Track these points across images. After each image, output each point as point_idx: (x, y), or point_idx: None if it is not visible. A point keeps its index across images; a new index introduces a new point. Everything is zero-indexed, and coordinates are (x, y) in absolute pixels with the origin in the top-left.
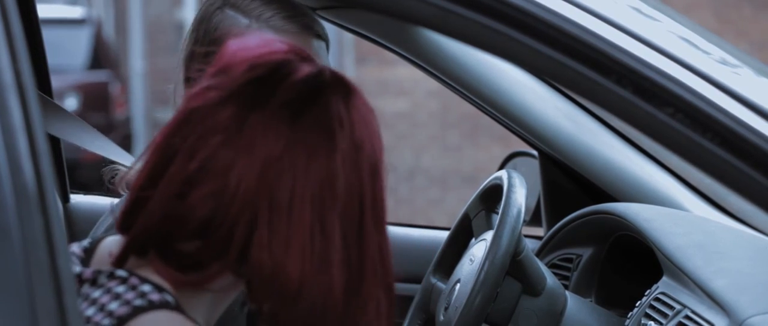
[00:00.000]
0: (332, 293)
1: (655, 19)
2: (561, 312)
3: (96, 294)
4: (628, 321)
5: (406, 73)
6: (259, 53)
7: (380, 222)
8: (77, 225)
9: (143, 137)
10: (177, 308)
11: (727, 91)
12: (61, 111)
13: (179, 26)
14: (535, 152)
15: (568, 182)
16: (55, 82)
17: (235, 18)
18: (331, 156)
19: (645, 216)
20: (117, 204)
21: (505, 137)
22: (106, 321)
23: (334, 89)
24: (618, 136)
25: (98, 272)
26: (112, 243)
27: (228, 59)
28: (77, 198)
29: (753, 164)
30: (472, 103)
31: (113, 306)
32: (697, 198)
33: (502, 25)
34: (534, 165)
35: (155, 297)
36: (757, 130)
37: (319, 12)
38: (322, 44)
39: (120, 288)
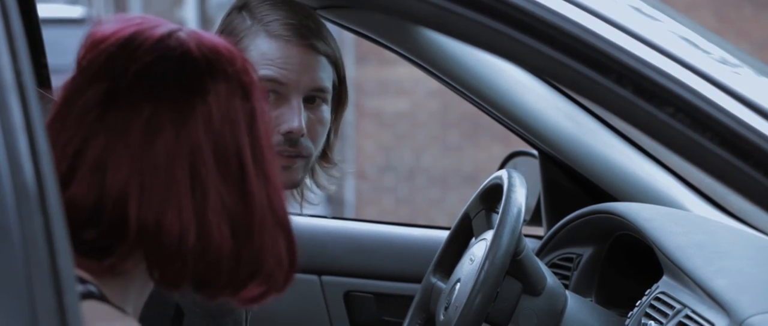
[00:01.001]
0: (217, 243)
1: (655, 19)
2: (561, 312)
3: None
4: (628, 320)
5: (406, 72)
6: (113, 30)
7: (265, 172)
8: None
9: None
10: (101, 298)
11: (727, 90)
12: None
13: None
14: (535, 152)
15: (568, 182)
16: (56, 82)
17: (243, 19)
18: (195, 121)
19: (645, 216)
20: None
21: (505, 137)
22: None
23: (194, 50)
24: (618, 136)
25: None
26: None
27: (89, 42)
28: None
29: (753, 164)
30: (472, 103)
31: None
32: (698, 198)
33: (502, 25)
34: (534, 165)
35: (78, 288)
36: (757, 130)
37: (319, 11)
38: (323, 60)
39: None
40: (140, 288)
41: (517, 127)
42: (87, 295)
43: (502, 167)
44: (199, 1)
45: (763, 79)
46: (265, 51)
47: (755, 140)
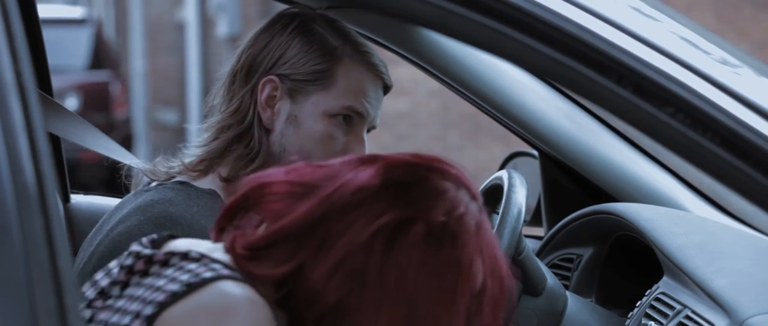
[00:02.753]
0: None
1: (655, 19)
2: (561, 312)
3: (168, 271)
4: (628, 321)
5: (406, 73)
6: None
7: None
8: (77, 225)
9: (143, 137)
10: (246, 282)
11: (727, 91)
12: (63, 110)
13: (179, 26)
14: (535, 152)
15: (568, 182)
16: (56, 82)
17: (326, 34)
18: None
19: (645, 216)
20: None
21: (505, 137)
22: (176, 286)
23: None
24: (618, 136)
25: (171, 253)
26: (187, 243)
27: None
28: (77, 198)
29: (753, 164)
30: (472, 103)
31: (184, 276)
32: (697, 198)
33: (502, 25)
34: (534, 165)
35: (225, 271)
36: (757, 130)
37: (321, 12)
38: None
39: (192, 265)
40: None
41: (517, 127)
42: (232, 277)
43: (502, 167)
44: (199, 1)
45: (763, 79)
46: (358, 79)
47: (755, 140)
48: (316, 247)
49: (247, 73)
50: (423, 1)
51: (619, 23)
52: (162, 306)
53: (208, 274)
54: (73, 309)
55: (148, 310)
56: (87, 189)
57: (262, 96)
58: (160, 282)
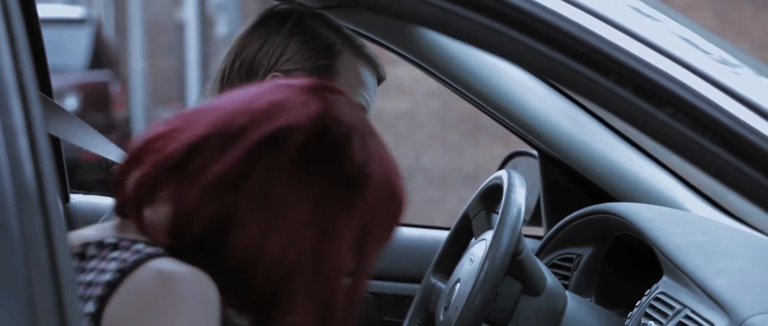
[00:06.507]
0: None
1: (655, 19)
2: (561, 312)
3: (91, 263)
4: (628, 321)
5: (406, 72)
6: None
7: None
8: (77, 225)
9: None
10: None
11: (727, 91)
12: (62, 111)
13: (179, 26)
14: (535, 152)
15: (568, 182)
16: (55, 81)
17: (325, 31)
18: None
19: (645, 216)
20: None
21: (505, 137)
22: (108, 276)
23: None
24: (618, 136)
25: (86, 244)
26: (94, 230)
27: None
28: (77, 198)
29: (753, 164)
30: (472, 103)
31: (112, 265)
32: (697, 198)
33: (502, 25)
34: (534, 165)
35: (150, 250)
36: (757, 130)
37: (319, 11)
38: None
39: (114, 253)
40: None
41: (517, 127)
42: (160, 254)
43: (502, 167)
44: (198, 1)
45: (763, 79)
46: (358, 73)
47: (755, 140)
48: (186, 178)
49: (248, 71)
50: (423, 1)
51: (619, 23)
52: (102, 300)
53: (134, 257)
54: (73, 307)
55: (91, 307)
56: (87, 189)
57: None
58: (90, 277)
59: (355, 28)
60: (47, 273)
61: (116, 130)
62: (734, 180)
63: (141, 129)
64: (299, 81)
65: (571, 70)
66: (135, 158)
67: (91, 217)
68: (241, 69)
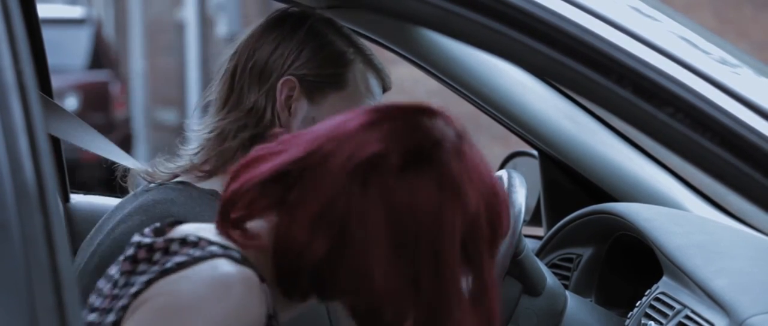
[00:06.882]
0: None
1: (655, 19)
2: (561, 312)
3: (174, 258)
4: (628, 321)
5: (406, 72)
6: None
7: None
8: (77, 225)
9: (143, 137)
10: (242, 262)
11: (727, 91)
12: (62, 111)
13: (179, 26)
14: (535, 152)
15: (568, 182)
16: (55, 81)
17: (335, 37)
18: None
19: (645, 216)
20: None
21: (505, 137)
22: (170, 265)
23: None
24: (618, 136)
25: (170, 240)
26: (186, 229)
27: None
28: (77, 198)
29: (753, 164)
30: (472, 103)
31: (178, 258)
32: (697, 198)
33: (502, 25)
34: (534, 165)
35: (219, 251)
36: (757, 130)
37: (320, 12)
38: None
39: (191, 250)
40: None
41: (517, 127)
42: (225, 255)
43: (502, 167)
44: (198, 1)
45: (763, 79)
46: (368, 82)
47: (755, 140)
48: (295, 202)
49: (261, 72)
50: (423, 1)
51: (618, 23)
52: (162, 273)
53: (199, 253)
54: (73, 307)
55: (147, 276)
56: (87, 189)
57: (282, 96)
58: (156, 268)
59: (355, 28)
60: (47, 273)
61: (116, 130)
62: (734, 180)
63: (141, 129)
64: (394, 104)
65: (571, 70)
66: (235, 174)
67: (91, 217)
68: (253, 70)
